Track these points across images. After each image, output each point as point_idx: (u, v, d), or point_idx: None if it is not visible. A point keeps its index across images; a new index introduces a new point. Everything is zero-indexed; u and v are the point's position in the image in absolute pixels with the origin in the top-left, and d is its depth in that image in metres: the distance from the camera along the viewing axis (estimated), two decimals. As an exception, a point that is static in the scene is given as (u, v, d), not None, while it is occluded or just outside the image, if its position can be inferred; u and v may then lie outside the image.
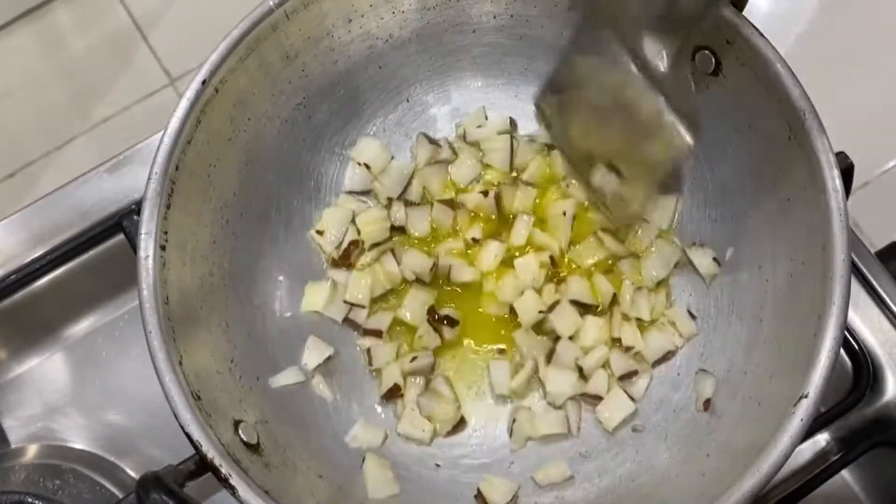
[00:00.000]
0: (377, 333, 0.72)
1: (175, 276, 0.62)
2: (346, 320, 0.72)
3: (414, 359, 0.70)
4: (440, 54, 0.75)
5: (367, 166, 0.75)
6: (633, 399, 0.69)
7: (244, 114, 0.68)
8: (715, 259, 0.70)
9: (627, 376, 0.69)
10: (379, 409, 0.71)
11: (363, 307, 0.72)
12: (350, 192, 0.75)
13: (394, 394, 0.70)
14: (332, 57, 0.71)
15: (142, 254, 0.60)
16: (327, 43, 0.70)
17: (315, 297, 0.72)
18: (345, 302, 0.72)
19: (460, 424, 0.70)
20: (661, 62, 0.62)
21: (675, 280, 0.72)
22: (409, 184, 0.75)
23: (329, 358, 0.71)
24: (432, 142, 0.76)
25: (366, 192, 0.76)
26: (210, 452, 0.56)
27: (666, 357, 0.70)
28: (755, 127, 0.65)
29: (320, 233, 0.74)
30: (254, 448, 0.61)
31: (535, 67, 0.74)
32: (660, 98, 0.63)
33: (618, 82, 0.64)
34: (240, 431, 0.61)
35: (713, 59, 0.65)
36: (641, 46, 0.62)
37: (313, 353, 0.71)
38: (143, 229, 0.61)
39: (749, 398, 0.62)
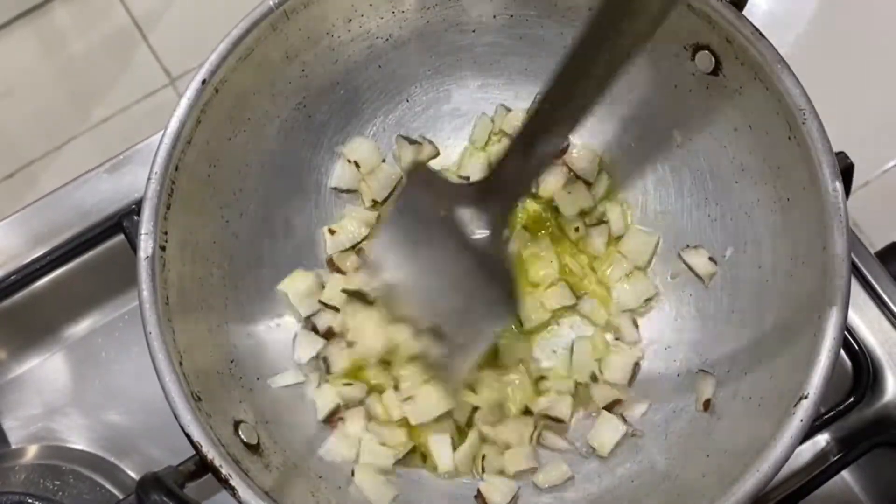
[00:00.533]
0: (330, 333, 0.71)
1: (175, 276, 0.62)
2: (308, 319, 0.72)
3: (348, 384, 0.69)
4: (440, 54, 0.75)
5: (357, 165, 0.75)
6: (630, 423, 0.68)
7: (244, 114, 0.68)
8: (711, 258, 0.70)
9: (612, 405, 0.69)
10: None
11: (334, 310, 0.72)
12: (335, 189, 0.75)
13: (333, 416, 0.69)
14: (332, 56, 0.71)
15: (142, 254, 0.60)
16: (327, 42, 0.70)
17: (295, 284, 0.72)
18: (319, 301, 0.72)
19: (412, 452, 0.68)
20: (479, 233, 0.63)
21: (674, 282, 0.72)
22: (394, 189, 0.75)
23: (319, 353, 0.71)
24: (412, 142, 0.76)
25: (351, 192, 0.76)
26: (210, 453, 0.56)
27: (635, 372, 0.70)
28: (755, 126, 0.64)
29: (332, 232, 0.74)
30: (254, 448, 0.61)
31: (534, 67, 0.74)
32: (477, 268, 0.63)
33: (438, 252, 0.65)
34: (240, 432, 0.61)
35: (712, 59, 0.65)
36: (459, 220, 0.63)
37: (305, 348, 0.71)
38: (143, 229, 0.61)
39: (749, 398, 0.62)
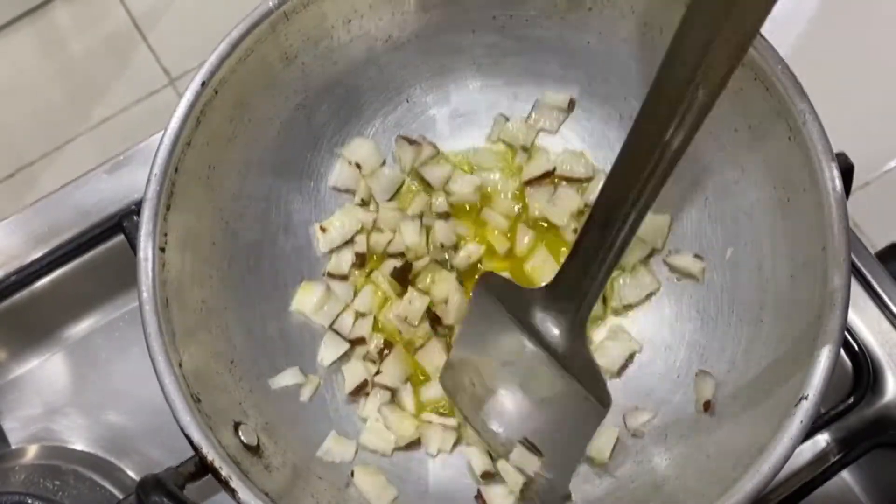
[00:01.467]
0: (360, 341, 0.72)
1: (175, 277, 0.62)
2: (331, 328, 0.72)
3: (378, 373, 0.70)
4: (439, 55, 0.74)
5: (359, 166, 0.74)
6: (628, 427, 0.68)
7: (244, 115, 0.68)
8: (696, 255, 0.70)
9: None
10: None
11: (363, 316, 0.72)
12: (334, 189, 0.75)
13: (360, 391, 0.70)
14: (331, 58, 0.71)
15: (141, 255, 0.60)
16: (326, 44, 0.70)
17: (306, 298, 0.72)
18: (355, 312, 0.72)
19: (415, 443, 0.70)
20: (556, 336, 0.64)
21: (673, 284, 0.72)
22: (398, 190, 0.75)
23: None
24: (412, 142, 0.75)
25: (350, 192, 0.75)
26: (210, 455, 0.56)
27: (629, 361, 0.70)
28: (754, 128, 0.64)
29: (324, 230, 0.74)
30: (254, 450, 0.61)
31: (534, 68, 0.74)
32: (561, 370, 0.64)
33: (517, 359, 0.65)
34: (240, 433, 0.61)
35: None
36: (533, 324, 0.64)
37: (329, 350, 0.71)
38: (143, 231, 0.60)
39: (749, 399, 0.62)
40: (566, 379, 0.64)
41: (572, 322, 0.63)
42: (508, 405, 0.67)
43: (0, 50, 1.27)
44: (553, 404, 0.65)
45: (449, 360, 0.70)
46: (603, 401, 0.62)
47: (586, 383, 0.63)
